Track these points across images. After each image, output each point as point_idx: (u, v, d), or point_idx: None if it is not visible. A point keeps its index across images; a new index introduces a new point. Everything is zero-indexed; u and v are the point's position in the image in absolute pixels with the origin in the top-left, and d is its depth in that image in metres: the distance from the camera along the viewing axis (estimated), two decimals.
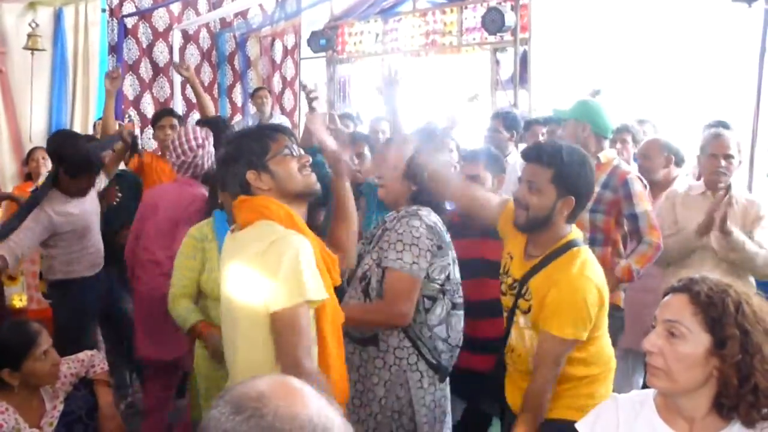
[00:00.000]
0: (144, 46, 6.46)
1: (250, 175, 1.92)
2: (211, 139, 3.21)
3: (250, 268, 1.81)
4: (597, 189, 3.01)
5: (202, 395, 2.70)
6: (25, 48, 5.22)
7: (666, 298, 1.49)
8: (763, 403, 1.39)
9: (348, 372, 2.05)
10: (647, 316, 3.30)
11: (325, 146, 2.21)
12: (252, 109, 7.56)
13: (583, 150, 2.26)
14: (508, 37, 6.32)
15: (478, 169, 3.03)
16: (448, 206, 2.73)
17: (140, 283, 3.26)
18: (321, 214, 3.64)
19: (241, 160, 1.93)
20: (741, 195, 3.16)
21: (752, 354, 1.38)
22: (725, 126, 3.59)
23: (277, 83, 7.84)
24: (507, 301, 2.32)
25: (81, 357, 2.63)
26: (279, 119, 6.69)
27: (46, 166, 4.55)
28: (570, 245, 2.17)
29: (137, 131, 6.25)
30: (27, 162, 4.90)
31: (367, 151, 3.34)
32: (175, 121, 4.33)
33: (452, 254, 2.48)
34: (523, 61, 6.30)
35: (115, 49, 6.20)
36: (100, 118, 5.39)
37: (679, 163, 3.64)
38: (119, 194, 4.14)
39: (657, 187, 3.60)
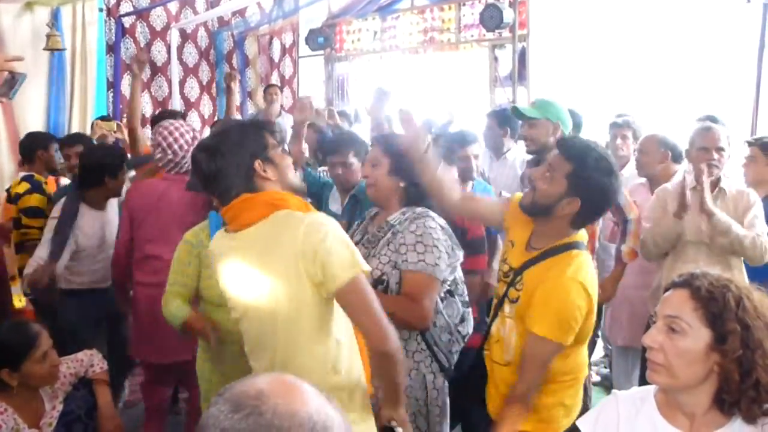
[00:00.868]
0: (142, 45, 6.45)
1: (258, 165, 1.86)
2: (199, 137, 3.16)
3: (292, 256, 1.74)
4: None
5: (203, 399, 2.69)
6: (45, 49, 5.29)
7: (667, 293, 1.49)
8: (764, 398, 1.38)
9: None
10: (644, 312, 3.33)
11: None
12: (250, 107, 7.56)
13: (616, 166, 2.17)
14: (506, 33, 6.32)
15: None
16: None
17: (138, 285, 3.19)
18: None
19: (247, 148, 1.86)
20: (731, 186, 3.16)
21: (753, 349, 1.37)
22: (714, 120, 3.59)
23: (275, 82, 7.83)
24: (499, 288, 2.31)
25: (80, 357, 2.63)
26: (285, 118, 6.67)
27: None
28: (571, 246, 2.14)
29: None
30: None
31: (352, 158, 3.27)
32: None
33: (460, 254, 2.47)
34: (522, 58, 6.30)
35: (112, 49, 6.20)
36: (98, 118, 5.40)
37: (677, 158, 3.64)
38: None
39: (655, 182, 3.60)
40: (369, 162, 2.52)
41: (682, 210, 3.00)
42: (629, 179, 3.89)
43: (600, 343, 4.56)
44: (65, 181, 4.36)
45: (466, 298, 2.53)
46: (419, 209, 2.42)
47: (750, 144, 3.60)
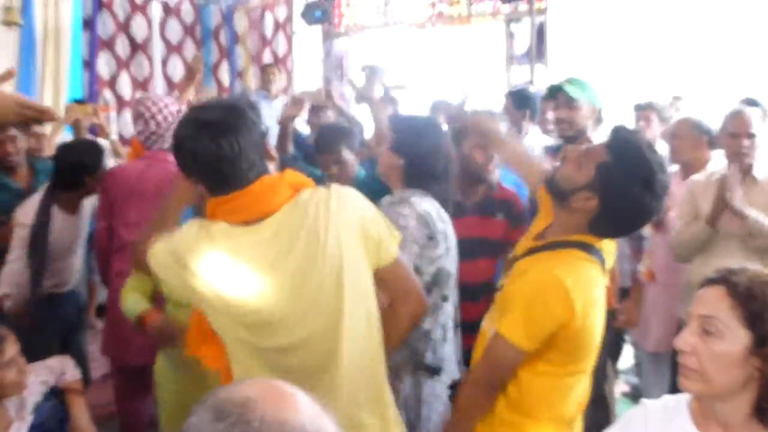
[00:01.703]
0: (120, 20, 6.44)
1: (267, 146, 1.82)
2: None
3: (348, 234, 1.74)
4: None
5: (162, 416, 2.71)
6: (2, 23, 5.25)
7: (701, 291, 1.47)
8: None
9: None
10: (674, 313, 3.32)
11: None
12: (239, 88, 7.53)
13: (662, 185, 1.90)
14: (523, 6, 6.30)
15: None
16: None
17: (117, 276, 3.09)
18: None
19: (258, 128, 1.76)
20: (764, 173, 3.15)
21: None
22: (754, 104, 3.57)
23: (267, 60, 7.80)
24: (502, 279, 2.28)
25: (50, 363, 2.62)
26: (283, 101, 6.62)
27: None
28: (577, 245, 1.97)
29: (113, 115, 6.24)
30: None
31: (346, 152, 3.28)
32: None
33: (447, 244, 2.49)
34: (540, 34, 6.28)
35: (88, 24, 6.19)
36: (72, 101, 5.39)
37: (713, 144, 3.62)
38: None
39: (689, 169, 3.58)
40: (376, 136, 2.57)
41: (717, 216, 3.01)
42: None
43: (630, 349, 4.53)
44: None
45: (449, 293, 2.55)
46: (405, 194, 2.50)
47: None
